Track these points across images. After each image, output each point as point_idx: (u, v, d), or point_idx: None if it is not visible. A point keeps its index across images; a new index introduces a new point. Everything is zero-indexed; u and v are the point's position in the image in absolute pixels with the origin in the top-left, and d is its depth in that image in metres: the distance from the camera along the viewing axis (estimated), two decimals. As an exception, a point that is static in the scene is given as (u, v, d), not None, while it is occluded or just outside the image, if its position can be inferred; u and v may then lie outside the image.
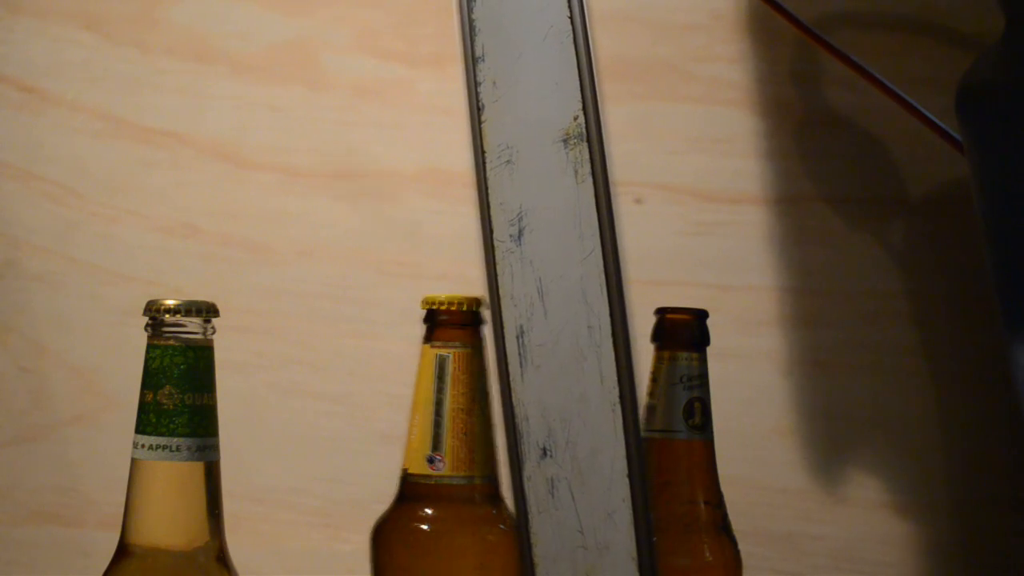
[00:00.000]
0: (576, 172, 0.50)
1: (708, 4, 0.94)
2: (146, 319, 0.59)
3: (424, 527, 0.66)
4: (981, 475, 0.91)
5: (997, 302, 0.72)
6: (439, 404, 0.66)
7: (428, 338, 0.67)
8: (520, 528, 0.49)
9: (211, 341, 0.60)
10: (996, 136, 0.71)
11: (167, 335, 0.59)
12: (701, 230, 0.93)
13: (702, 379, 0.70)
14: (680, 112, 0.94)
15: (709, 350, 0.71)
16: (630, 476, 0.48)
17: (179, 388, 0.58)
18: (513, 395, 0.51)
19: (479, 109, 0.51)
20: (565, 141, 0.50)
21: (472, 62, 0.51)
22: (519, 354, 0.51)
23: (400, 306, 0.93)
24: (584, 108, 0.50)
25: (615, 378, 0.49)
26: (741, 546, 0.72)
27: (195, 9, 0.96)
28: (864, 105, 0.92)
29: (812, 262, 0.93)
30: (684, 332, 0.71)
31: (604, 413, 0.49)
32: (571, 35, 0.50)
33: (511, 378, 0.52)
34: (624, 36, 0.94)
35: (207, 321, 0.59)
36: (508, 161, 0.50)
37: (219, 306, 0.60)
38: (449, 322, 0.67)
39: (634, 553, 0.47)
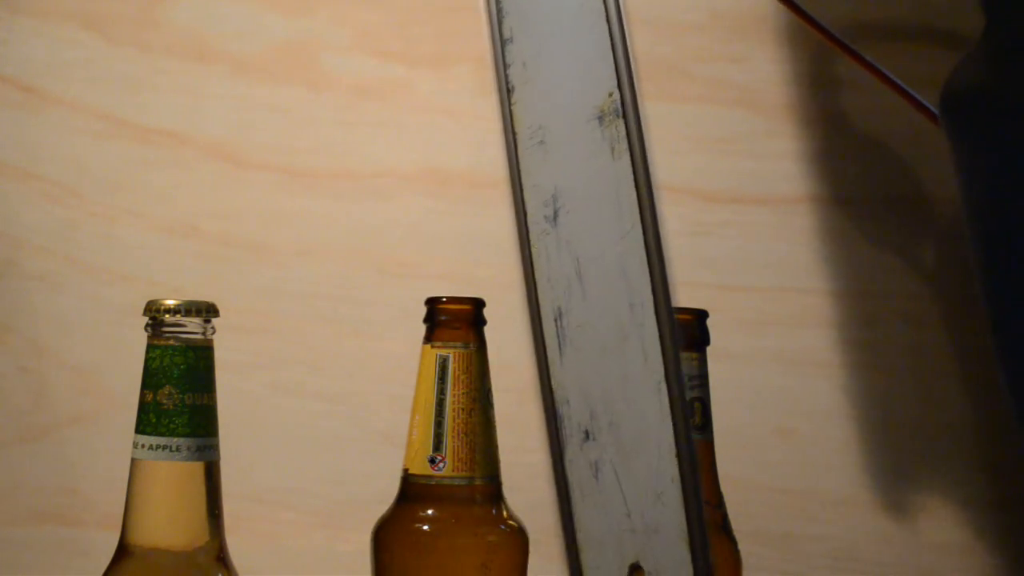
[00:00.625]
0: (612, 149, 0.49)
1: (708, 4, 0.94)
2: (146, 319, 0.59)
3: (425, 527, 0.66)
4: (982, 475, 0.91)
5: (983, 304, 0.71)
6: (440, 404, 0.66)
7: (429, 338, 0.67)
8: (563, 513, 0.48)
9: (211, 341, 0.60)
10: (979, 139, 0.70)
11: (167, 335, 0.59)
12: (702, 230, 0.93)
13: (702, 379, 0.70)
14: (680, 112, 0.94)
15: (709, 350, 0.71)
16: (679, 456, 0.47)
17: (179, 388, 0.58)
18: (552, 379, 0.50)
19: (509, 91, 0.50)
20: (600, 118, 0.49)
21: (501, 44, 0.51)
22: (557, 336, 0.50)
23: (400, 306, 0.93)
24: (619, 84, 0.49)
25: (659, 356, 0.48)
26: (741, 546, 0.72)
27: (195, 9, 0.96)
28: (865, 105, 0.92)
29: (812, 262, 0.93)
30: (684, 332, 0.71)
31: (649, 392, 0.48)
32: (603, 11, 0.50)
33: (550, 361, 0.50)
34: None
35: (207, 321, 0.59)
36: (541, 142, 0.49)
37: (219, 306, 0.60)
38: (450, 322, 0.67)
39: (685, 534, 0.46)
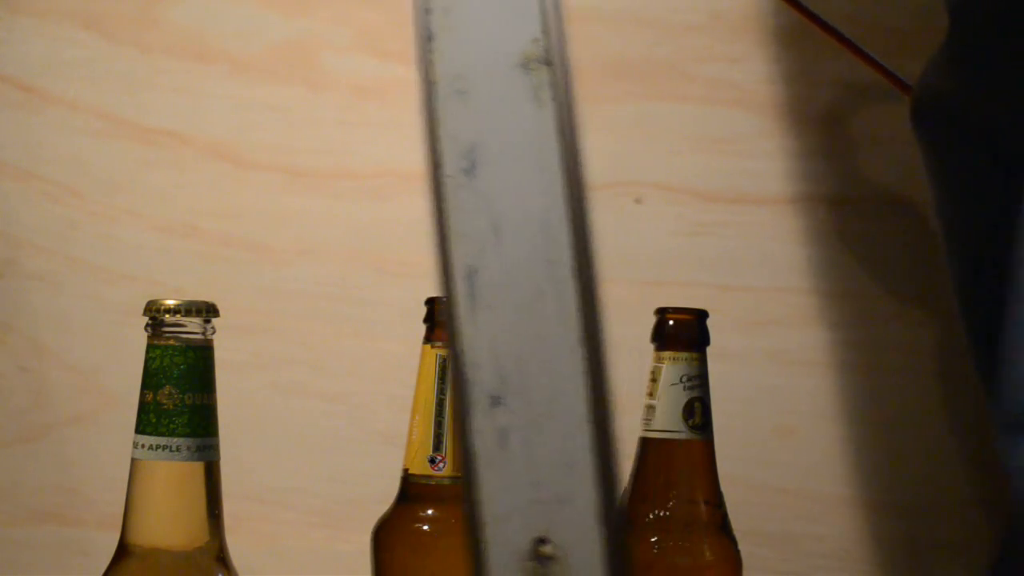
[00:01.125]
0: (537, 97, 0.47)
1: (708, 4, 0.94)
2: (146, 319, 0.59)
3: (425, 527, 0.66)
4: (982, 475, 0.91)
5: (957, 307, 0.71)
6: (440, 404, 0.66)
7: (429, 338, 0.67)
8: (465, 487, 0.46)
9: (211, 341, 0.60)
10: (948, 144, 0.70)
11: (167, 335, 0.59)
12: (701, 230, 0.93)
13: (702, 379, 0.70)
14: (680, 112, 0.94)
15: (709, 350, 0.71)
16: (593, 422, 0.45)
17: (179, 388, 0.58)
18: (463, 340, 0.48)
19: (429, 39, 0.48)
20: (524, 66, 0.47)
21: None
22: (470, 295, 0.48)
23: (400, 306, 0.93)
24: (545, 29, 0.47)
25: (577, 317, 0.46)
26: (741, 546, 0.72)
27: (195, 9, 0.96)
28: (864, 105, 0.92)
29: (812, 262, 0.93)
30: (684, 332, 0.71)
31: (564, 355, 0.45)
32: None
33: (460, 322, 0.48)
34: (624, 36, 0.94)
35: (207, 321, 0.59)
36: (460, 91, 0.47)
37: (219, 306, 0.60)
38: (449, 322, 0.66)
39: (597, 506, 0.44)
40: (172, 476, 0.58)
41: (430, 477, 0.66)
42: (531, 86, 0.47)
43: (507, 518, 0.46)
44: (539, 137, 0.47)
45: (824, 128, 0.93)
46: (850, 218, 0.93)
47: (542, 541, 0.45)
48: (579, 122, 0.48)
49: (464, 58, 0.47)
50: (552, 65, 0.47)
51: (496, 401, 0.47)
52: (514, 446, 0.46)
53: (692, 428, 0.70)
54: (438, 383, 0.66)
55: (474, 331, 0.47)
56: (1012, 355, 0.63)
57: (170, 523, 0.58)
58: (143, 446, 0.58)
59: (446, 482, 0.65)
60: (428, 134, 0.47)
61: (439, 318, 0.67)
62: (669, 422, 0.70)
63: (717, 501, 0.71)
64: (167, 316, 0.59)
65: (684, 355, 0.70)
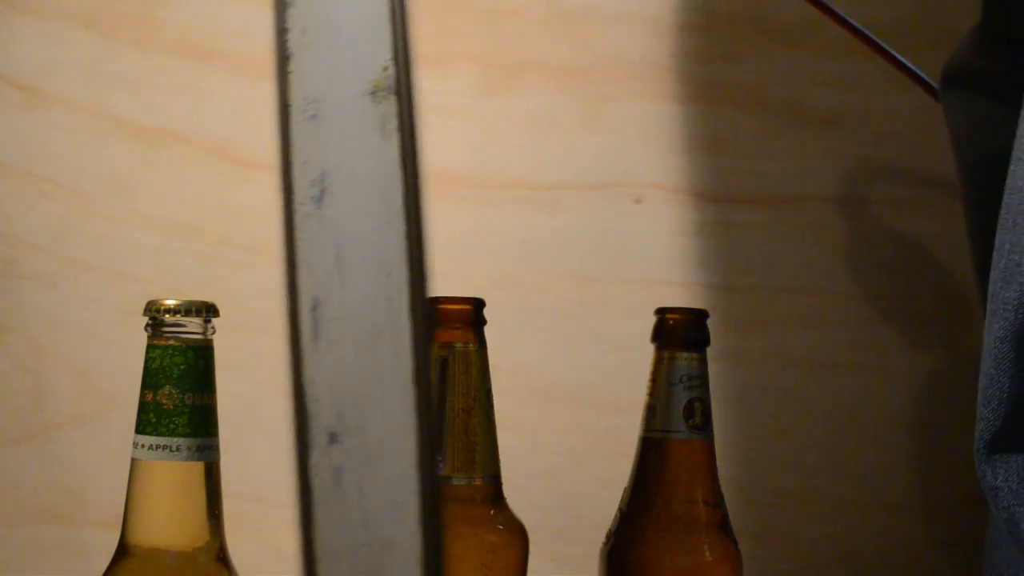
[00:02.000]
0: (383, 128, 0.47)
1: (708, 4, 0.94)
2: (146, 319, 0.59)
3: (424, 527, 0.65)
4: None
5: (977, 285, 0.72)
6: (440, 404, 0.66)
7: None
8: (302, 523, 0.46)
9: (211, 341, 0.60)
10: (977, 119, 0.71)
11: (167, 335, 0.59)
12: (701, 230, 0.93)
13: (702, 379, 0.70)
14: (680, 112, 0.94)
15: (709, 350, 0.71)
16: (420, 467, 0.44)
17: (179, 388, 0.58)
18: (305, 374, 0.48)
19: (286, 59, 0.47)
20: (373, 94, 0.47)
21: (282, 8, 0.46)
22: (313, 328, 0.48)
23: (400, 306, 0.93)
24: (395, 57, 0.46)
25: (410, 356, 0.46)
26: (741, 546, 0.72)
27: (195, 9, 0.96)
28: (864, 105, 0.92)
29: (812, 262, 0.93)
30: (684, 332, 0.71)
31: (397, 395, 0.46)
32: None
33: (303, 354, 0.47)
34: (624, 36, 0.94)
35: (207, 321, 0.59)
36: (314, 116, 0.46)
37: (219, 306, 0.60)
38: (450, 322, 0.66)
39: (420, 553, 0.44)
40: (172, 476, 0.58)
41: (430, 477, 0.66)
42: (379, 116, 0.46)
43: (338, 557, 0.45)
44: (383, 169, 0.47)
45: (824, 128, 0.93)
46: (851, 218, 0.93)
47: None
48: (422, 155, 0.48)
49: (319, 81, 0.46)
50: (400, 95, 0.46)
51: (333, 438, 0.47)
52: (347, 485, 0.46)
53: (692, 428, 0.70)
54: (438, 383, 0.66)
55: (316, 365, 0.47)
56: (990, 367, 0.62)
57: (170, 523, 0.58)
58: (143, 446, 0.58)
59: (446, 482, 0.65)
60: (282, 159, 0.46)
61: (439, 318, 0.67)
62: (669, 422, 0.70)
63: (717, 501, 0.70)
64: (167, 316, 0.59)
65: (684, 355, 0.70)
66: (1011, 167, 0.63)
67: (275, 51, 0.47)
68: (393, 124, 0.46)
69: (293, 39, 0.47)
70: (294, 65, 0.47)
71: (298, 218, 0.48)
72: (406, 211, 0.47)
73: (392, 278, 0.47)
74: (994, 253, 0.63)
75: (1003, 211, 0.63)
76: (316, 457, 0.48)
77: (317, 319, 0.48)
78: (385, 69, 0.46)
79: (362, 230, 0.47)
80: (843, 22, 0.83)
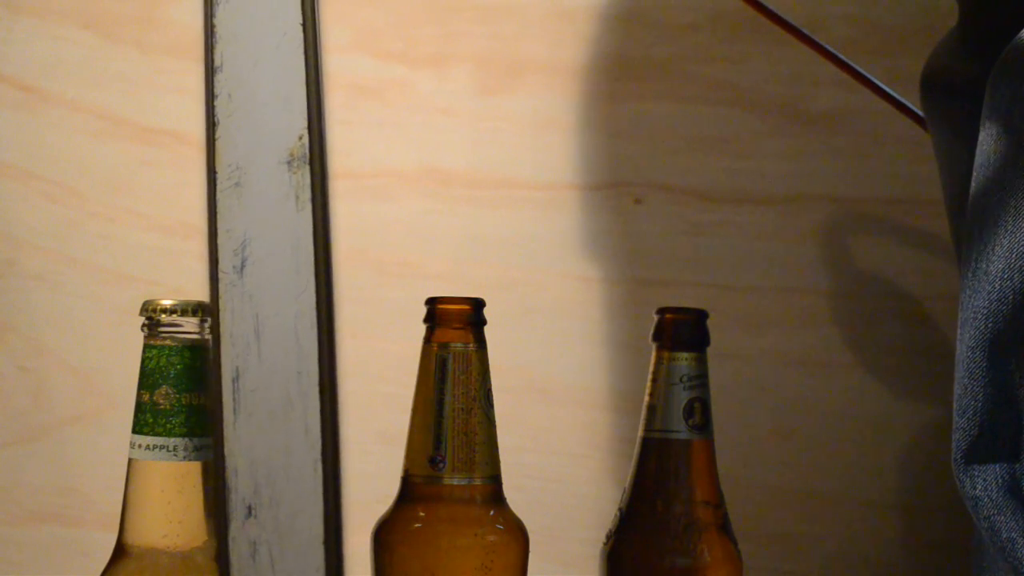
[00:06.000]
0: (297, 198, 0.47)
1: (708, 4, 0.94)
2: (143, 319, 0.59)
3: (425, 528, 0.65)
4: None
5: (962, 290, 0.72)
6: (440, 404, 0.66)
7: (429, 338, 0.67)
8: None
9: (208, 341, 0.60)
10: (956, 119, 0.71)
11: (163, 335, 0.59)
12: (701, 230, 0.93)
13: (702, 379, 0.70)
14: (680, 112, 0.94)
15: (709, 350, 0.71)
16: (326, 543, 0.45)
17: (176, 388, 0.58)
18: (226, 445, 0.48)
19: (214, 126, 0.46)
20: (289, 163, 0.47)
21: (211, 73, 0.47)
22: (233, 399, 0.47)
23: (400, 306, 0.93)
24: (309, 127, 0.46)
25: (319, 432, 0.46)
26: (741, 546, 0.72)
27: (195, 9, 0.96)
28: (864, 105, 0.92)
29: (811, 262, 0.93)
30: (684, 332, 0.71)
31: (306, 470, 0.46)
32: (302, 44, 0.46)
33: (225, 426, 0.47)
34: (624, 36, 0.94)
35: (203, 321, 0.59)
36: (237, 184, 0.46)
37: (218, 306, 0.60)
38: (450, 322, 0.66)
39: None
40: (169, 476, 0.58)
41: (431, 477, 0.66)
42: (293, 186, 0.46)
43: None
44: (296, 241, 0.47)
45: (824, 128, 0.93)
46: (850, 218, 0.93)
47: None
48: (332, 227, 0.47)
49: (242, 148, 0.46)
50: (313, 165, 0.46)
51: (250, 511, 0.47)
52: (262, 559, 0.46)
53: (692, 428, 0.70)
54: (438, 383, 0.66)
55: (235, 437, 0.47)
56: (963, 377, 0.62)
57: (168, 523, 0.58)
58: (140, 446, 0.58)
59: (446, 482, 0.65)
60: (209, 226, 0.46)
61: (439, 318, 0.67)
62: (669, 422, 0.70)
63: (717, 501, 0.70)
64: (163, 316, 0.59)
65: (684, 355, 0.70)
66: (974, 174, 0.62)
67: (205, 117, 0.47)
68: (306, 195, 0.47)
69: (220, 105, 0.47)
70: (220, 132, 0.47)
71: (222, 287, 0.48)
72: (316, 284, 0.47)
73: (303, 351, 0.47)
74: (961, 263, 0.63)
75: (968, 219, 0.62)
76: (234, 531, 0.48)
77: (237, 390, 0.48)
78: (300, 138, 0.46)
79: (277, 302, 0.47)
80: (838, 60, 0.84)
